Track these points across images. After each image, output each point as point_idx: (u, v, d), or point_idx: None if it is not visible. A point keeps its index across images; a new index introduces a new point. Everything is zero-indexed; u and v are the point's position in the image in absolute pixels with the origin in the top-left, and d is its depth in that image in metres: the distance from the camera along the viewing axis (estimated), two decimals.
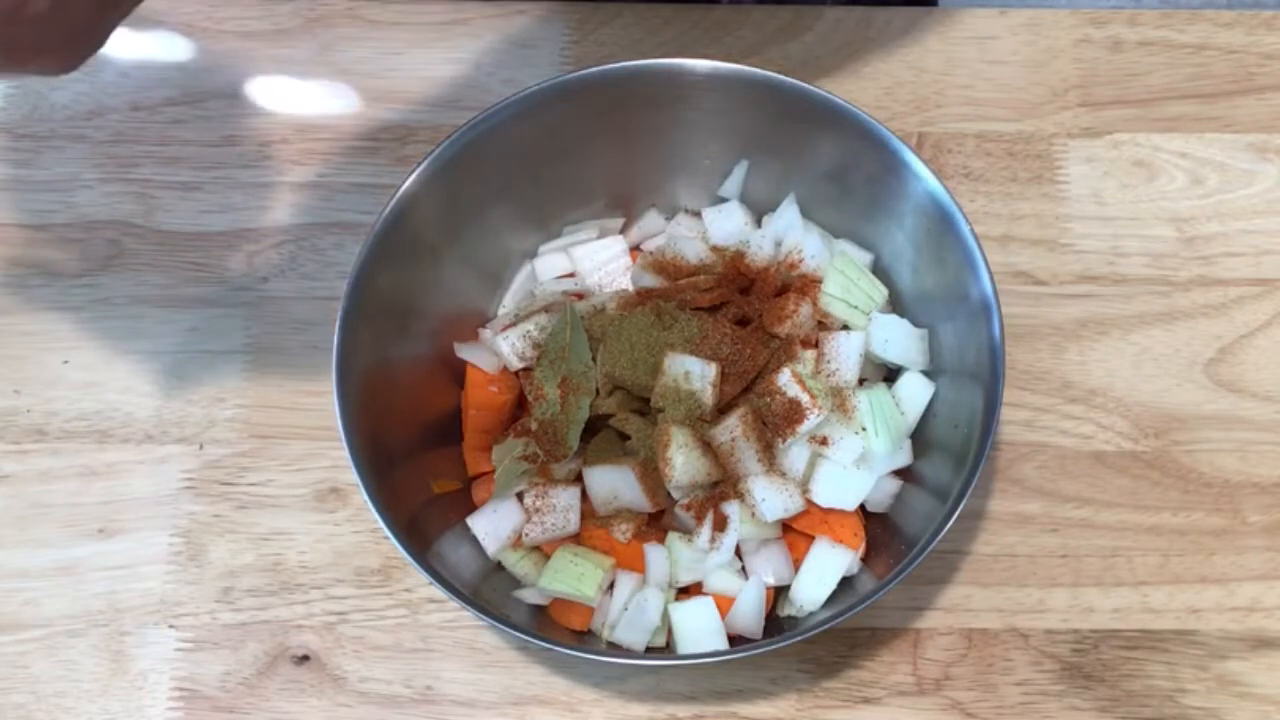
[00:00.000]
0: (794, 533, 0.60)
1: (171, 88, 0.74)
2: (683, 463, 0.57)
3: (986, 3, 0.78)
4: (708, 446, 0.58)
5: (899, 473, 0.61)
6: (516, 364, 0.62)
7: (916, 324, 0.62)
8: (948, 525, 0.53)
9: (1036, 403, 0.67)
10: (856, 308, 0.62)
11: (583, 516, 0.60)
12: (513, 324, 0.63)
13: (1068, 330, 0.68)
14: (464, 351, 0.63)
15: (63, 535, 0.64)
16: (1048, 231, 0.71)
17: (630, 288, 0.65)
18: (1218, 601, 0.63)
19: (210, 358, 0.68)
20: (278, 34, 0.74)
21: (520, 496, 0.60)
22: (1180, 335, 0.68)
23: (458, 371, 0.63)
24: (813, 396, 0.58)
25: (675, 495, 0.59)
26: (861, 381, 0.62)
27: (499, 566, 0.61)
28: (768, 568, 0.59)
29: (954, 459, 0.57)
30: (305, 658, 0.62)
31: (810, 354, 0.61)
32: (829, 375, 0.60)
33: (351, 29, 0.75)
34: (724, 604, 0.58)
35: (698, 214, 0.67)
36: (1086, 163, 0.72)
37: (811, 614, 0.58)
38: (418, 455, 0.61)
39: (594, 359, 0.61)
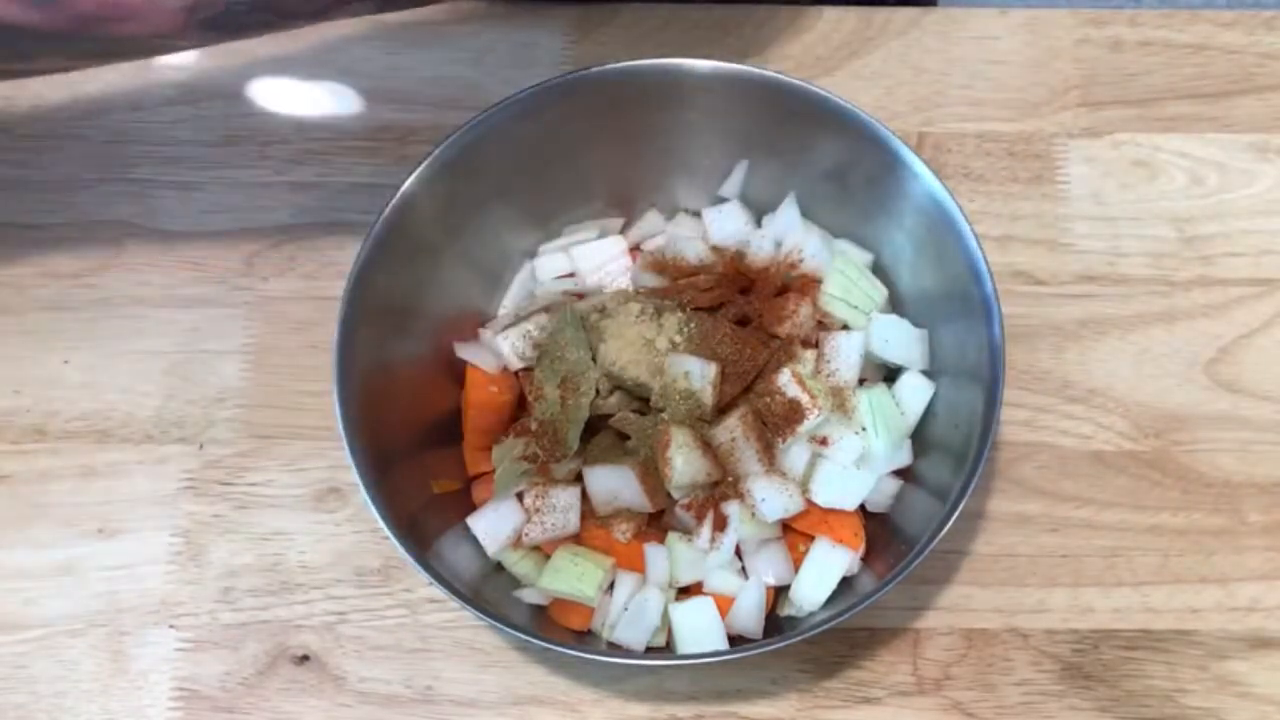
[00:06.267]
0: (794, 533, 0.60)
1: (171, 88, 0.74)
2: (683, 463, 0.57)
3: (987, 2, 0.78)
4: (708, 446, 0.58)
5: (899, 473, 0.61)
6: (516, 364, 0.63)
7: (916, 324, 0.62)
8: (948, 525, 0.53)
9: (1036, 403, 0.67)
10: (856, 308, 0.62)
11: (583, 516, 0.60)
12: (513, 324, 0.63)
13: (1068, 330, 0.68)
14: (464, 351, 0.63)
15: (63, 535, 0.64)
16: (1048, 231, 0.71)
17: (630, 288, 0.65)
18: (1218, 601, 0.63)
19: (210, 358, 0.68)
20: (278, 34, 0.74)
21: (520, 496, 0.60)
22: (1180, 335, 0.68)
23: (458, 371, 0.63)
24: (813, 396, 0.58)
25: (675, 495, 0.59)
26: (861, 381, 0.62)
27: (499, 566, 0.61)
28: (768, 568, 0.59)
29: (954, 459, 0.57)
30: (305, 658, 0.62)
31: (810, 354, 0.61)
32: (829, 375, 0.60)
33: (351, 29, 0.75)
34: (724, 604, 0.58)
35: (698, 214, 0.67)
36: (1086, 163, 0.72)
37: (811, 614, 0.58)
38: (418, 455, 0.61)
39: (594, 359, 0.61)
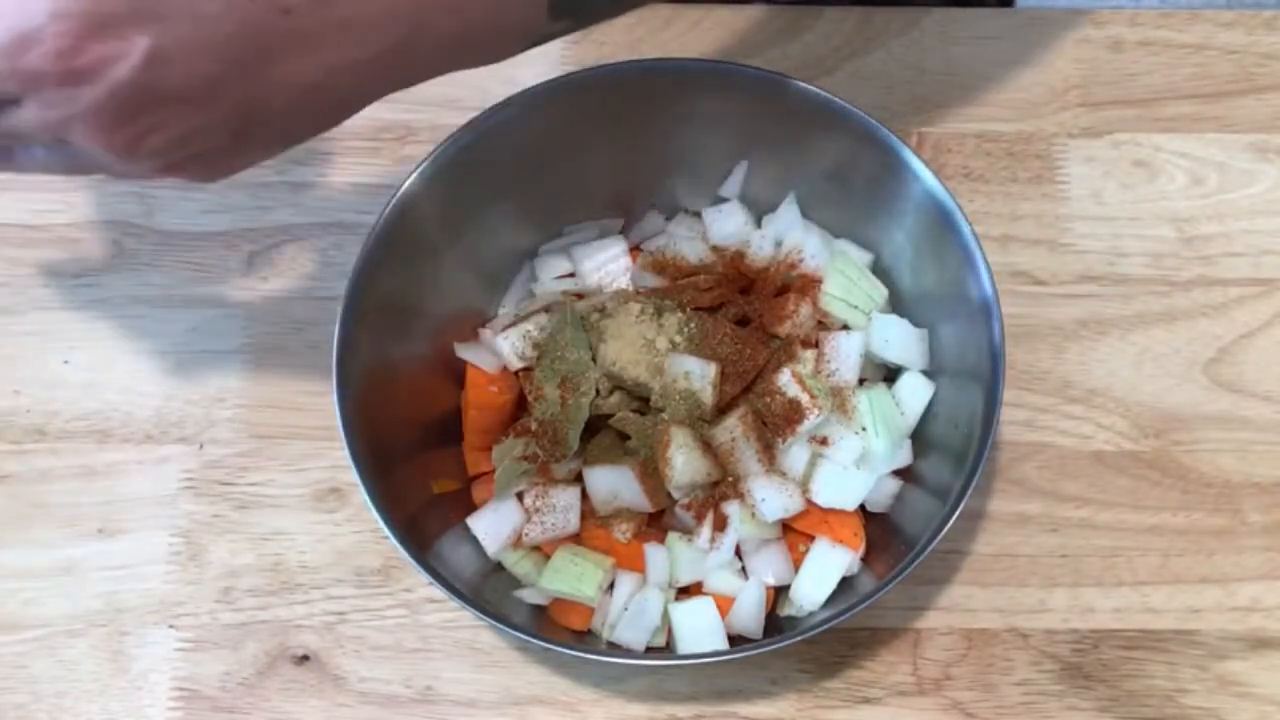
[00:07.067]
0: (794, 533, 0.60)
1: None
2: (683, 463, 0.57)
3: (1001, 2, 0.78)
4: (708, 446, 0.58)
5: (899, 473, 0.61)
6: (516, 364, 0.62)
7: (916, 324, 0.62)
8: (948, 525, 0.53)
9: (1036, 403, 0.67)
10: (856, 308, 0.62)
11: (583, 516, 0.60)
12: (513, 324, 0.63)
13: (1068, 330, 0.68)
14: (464, 351, 0.63)
15: (63, 535, 0.64)
16: (1048, 231, 0.71)
17: (630, 288, 0.65)
18: (1218, 601, 0.63)
19: (210, 358, 0.68)
20: None
21: (520, 496, 0.60)
22: (1180, 335, 0.68)
23: (458, 371, 0.63)
24: (813, 396, 0.58)
25: (675, 495, 0.59)
26: (861, 381, 0.62)
27: (499, 566, 0.61)
28: (768, 568, 0.59)
29: (954, 459, 0.57)
30: (305, 658, 0.62)
31: (810, 354, 0.61)
32: (829, 375, 0.61)
33: None
34: (724, 604, 0.58)
35: (698, 214, 0.67)
36: (1086, 163, 0.72)
37: (811, 614, 0.58)
38: (418, 455, 0.61)
39: (594, 359, 0.61)
